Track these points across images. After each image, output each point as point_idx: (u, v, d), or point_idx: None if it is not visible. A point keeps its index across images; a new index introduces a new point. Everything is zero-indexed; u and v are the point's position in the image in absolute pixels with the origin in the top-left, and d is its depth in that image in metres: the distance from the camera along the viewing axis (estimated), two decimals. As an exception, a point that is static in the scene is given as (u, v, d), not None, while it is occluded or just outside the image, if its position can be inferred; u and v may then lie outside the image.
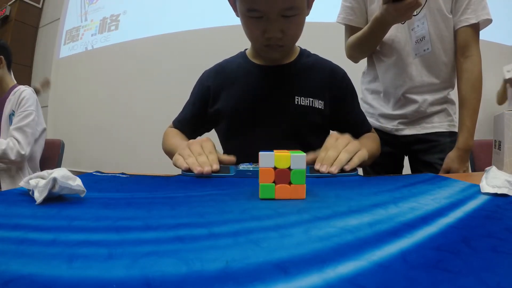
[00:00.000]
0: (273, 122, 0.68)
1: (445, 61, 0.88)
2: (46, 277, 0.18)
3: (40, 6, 3.71)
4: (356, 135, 0.67)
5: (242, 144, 0.69)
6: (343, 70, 0.75)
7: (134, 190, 0.44)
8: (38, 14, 3.73)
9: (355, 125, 0.75)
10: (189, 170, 0.50)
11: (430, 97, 0.89)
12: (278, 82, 0.69)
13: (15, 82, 1.38)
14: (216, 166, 0.49)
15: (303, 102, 0.68)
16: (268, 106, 0.68)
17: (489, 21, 0.83)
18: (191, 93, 0.78)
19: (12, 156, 1.18)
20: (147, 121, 2.67)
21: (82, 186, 0.36)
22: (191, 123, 0.77)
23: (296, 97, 0.68)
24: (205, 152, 0.52)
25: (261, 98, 0.69)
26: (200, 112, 0.75)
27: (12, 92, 1.29)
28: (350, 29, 0.92)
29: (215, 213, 0.31)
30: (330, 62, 0.76)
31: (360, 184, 0.44)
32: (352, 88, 0.75)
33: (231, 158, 0.55)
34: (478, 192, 0.36)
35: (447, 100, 0.91)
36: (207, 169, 0.48)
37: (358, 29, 0.88)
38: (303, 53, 0.74)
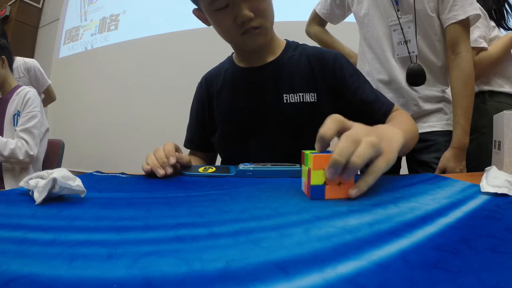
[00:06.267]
0: (265, 125, 0.66)
1: (433, 60, 0.88)
2: (46, 277, 0.18)
3: (40, 6, 3.71)
4: (374, 115, 0.63)
5: (239, 151, 0.68)
6: (334, 52, 0.68)
7: (134, 190, 0.44)
8: (38, 14, 3.73)
9: (368, 104, 0.64)
10: (151, 172, 0.52)
11: (423, 92, 0.89)
12: (264, 83, 0.66)
13: (18, 82, 1.38)
14: (169, 170, 0.51)
15: (292, 99, 0.65)
16: (258, 110, 0.66)
17: (478, 17, 0.82)
18: (191, 108, 0.77)
19: (21, 156, 1.18)
20: (147, 121, 2.67)
21: (82, 186, 0.36)
22: (201, 137, 0.75)
23: (284, 95, 0.65)
24: (165, 155, 0.53)
25: (249, 102, 0.67)
26: (205, 124, 0.74)
27: (16, 93, 1.28)
28: (319, 18, 1.09)
29: (215, 213, 0.31)
30: (319, 48, 0.71)
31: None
32: (348, 67, 0.66)
33: (186, 157, 0.57)
34: (478, 192, 0.36)
35: (443, 99, 0.90)
36: (161, 172, 0.51)
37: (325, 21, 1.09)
38: (290, 46, 0.69)
